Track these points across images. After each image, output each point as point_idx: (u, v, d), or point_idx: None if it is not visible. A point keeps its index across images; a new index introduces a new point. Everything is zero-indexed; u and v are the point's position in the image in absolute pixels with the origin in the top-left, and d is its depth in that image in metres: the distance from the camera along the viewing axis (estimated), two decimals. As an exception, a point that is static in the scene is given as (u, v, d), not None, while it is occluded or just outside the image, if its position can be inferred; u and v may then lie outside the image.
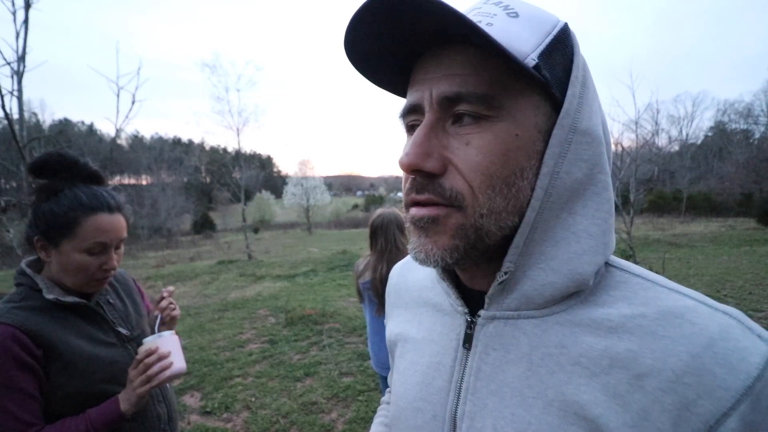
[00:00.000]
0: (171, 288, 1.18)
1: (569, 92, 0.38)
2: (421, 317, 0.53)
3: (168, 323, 1.13)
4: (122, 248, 1.01)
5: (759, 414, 0.31)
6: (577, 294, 0.40)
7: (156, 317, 1.11)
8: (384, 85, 0.46)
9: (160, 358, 0.94)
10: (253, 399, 3.30)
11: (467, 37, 0.35)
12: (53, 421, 0.86)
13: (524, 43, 0.37)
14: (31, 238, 0.92)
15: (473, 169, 0.37)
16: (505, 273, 0.40)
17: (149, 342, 0.97)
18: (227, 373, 3.81)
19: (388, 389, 0.74)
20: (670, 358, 0.33)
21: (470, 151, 0.37)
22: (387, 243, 1.99)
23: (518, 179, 0.37)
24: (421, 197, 0.39)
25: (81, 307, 0.94)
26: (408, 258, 0.65)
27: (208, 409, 3.16)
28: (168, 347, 0.97)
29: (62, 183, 0.93)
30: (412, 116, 0.41)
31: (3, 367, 0.79)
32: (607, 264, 0.42)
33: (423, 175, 0.38)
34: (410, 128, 0.43)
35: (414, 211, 0.40)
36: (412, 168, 0.38)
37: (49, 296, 0.89)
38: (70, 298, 0.92)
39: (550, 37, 0.38)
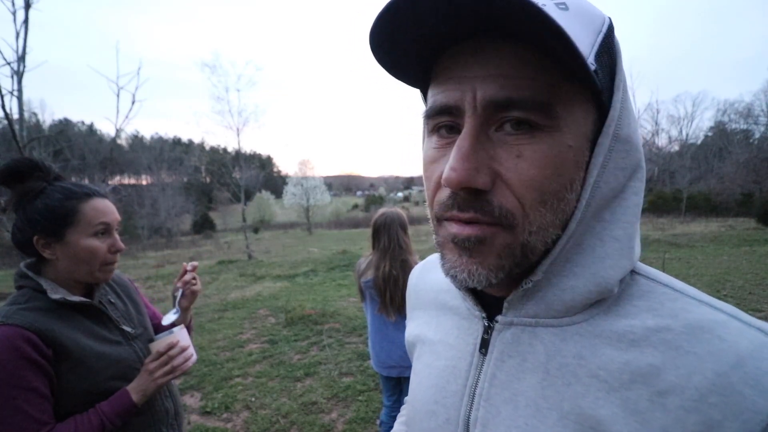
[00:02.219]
0: (195, 263, 1.20)
1: (615, 97, 0.35)
2: (439, 319, 0.52)
3: (188, 297, 1.17)
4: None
5: None
6: (599, 303, 0.38)
7: (177, 290, 1.16)
8: (398, 73, 0.40)
9: (182, 350, 1.03)
10: (253, 399, 3.29)
11: (526, 28, 0.29)
12: (62, 419, 0.87)
13: (580, 42, 0.32)
14: (28, 241, 0.92)
15: (526, 184, 0.33)
16: (531, 281, 0.38)
17: (163, 338, 1.02)
18: (227, 373, 3.81)
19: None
20: (694, 375, 0.31)
21: (522, 165, 0.33)
22: (390, 242, 2.00)
23: (567, 192, 0.35)
24: (465, 215, 0.35)
25: (86, 306, 0.95)
26: (428, 259, 0.64)
27: (208, 409, 3.16)
28: (186, 341, 1.06)
29: (39, 183, 0.94)
30: (443, 117, 0.36)
31: (15, 367, 0.80)
32: (633, 272, 0.40)
33: (469, 191, 0.34)
34: (436, 129, 0.38)
35: (456, 229, 0.36)
36: (462, 185, 0.33)
37: (56, 296, 0.89)
38: (76, 298, 0.92)
39: (601, 35, 0.34)
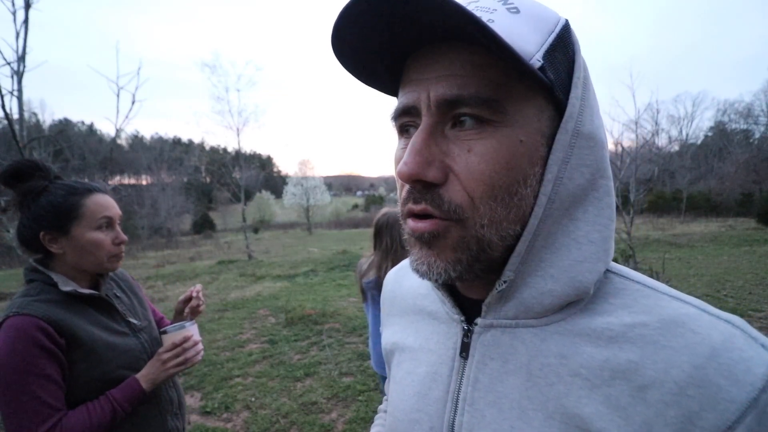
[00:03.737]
0: (199, 286, 1.27)
1: (572, 94, 0.37)
2: (418, 325, 0.52)
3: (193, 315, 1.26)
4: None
5: (765, 427, 0.29)
6: (576, 302, 0.39)
7: (187, 315, 1.22)
8: (372, 83, 0.43)
9: (195, 344, 1.08)
10: (253, 399, 3.30)
11: (469, 33, 0.31)
12: (73, 407, 0.90)
13: (528, 42, 0.34)
14: (35, 237, 0.95)
15: (475, 178, 0.35)
16: (504, 282, 0.39)
17: (178, 331, 1.06)
18: (227, 373, 3.81)
19: (385, 397, 0.73)
20: (672, 369, 0.32)
21: (472, 159, 0.35)
22: (392, 242, 1.98)
23: (521, 187, 0.36)
24: (418, 207, 0.37)
25: (95, 298, 1.00)
26: (401, 264, 0.64)
27: (208, 409, 3.16)
28: (197, 336, 1.12)
29: (42, 182, 0.97)
30: (405, 118, 0.39)
31: (30, 354, 0.83)
32: (606, 270, 0.41)
33: (422, 184, 0.36)
34: (403, 130, 0.40)
35: (413, 224, 0.38)
36: (413, 178, 0.35)
37: (67, 288, 0.93)
38: (86, 291, 0.97)
39: (553, 35, 0.36)
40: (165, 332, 1.06)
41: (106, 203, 1.01)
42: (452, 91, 0.34)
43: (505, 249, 0.38)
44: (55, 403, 0.85)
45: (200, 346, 1.10)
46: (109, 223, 1.00)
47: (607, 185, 0.40)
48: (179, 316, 1.23)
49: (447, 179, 0.36)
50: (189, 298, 1.23)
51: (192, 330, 1.09)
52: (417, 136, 0.36)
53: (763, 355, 0.31)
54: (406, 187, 0.38)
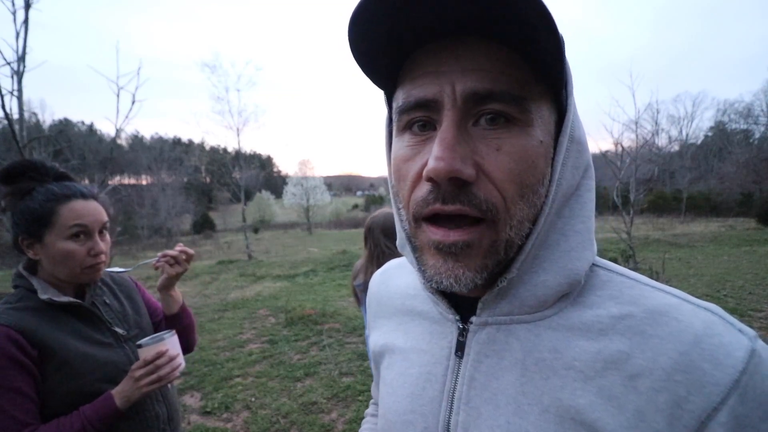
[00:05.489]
0: (190, 251, 1.14)
1: (570, 100, 0.39)
2: (407, 326, 0.51)
3: (167, 277, 1.10)
4: (107, 236, 1.01)
5: (747, 406, 0.31)
6: (566, 296, 0.40)
7: (156, 258, 1.10)
8: (369, 71, 0.40)
9: (170, 360, 0.97)
10: (253, 399, 3.30)
11: (508, 28, 0.31)
12: (49, 420, 0.86)
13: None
14: (15, 240, 0.93)
15: (507, 177, 0.34)
16: (505, 278, 0.39)
17: (153, 344, 0.96)
18: (227, 373, 3.81)
19: (372, 401, 0.72)
20: (660, 357, 0.34)
21: (502, 158, 0.34)
22: (375, 246, 1.99)
23: (541, 186, 0.37)
24: (451, 208, 0.34)
25: (75, 307, 0.94)
26: (387, 266, 0.63)
27: (208, 409, 3.16)
28: (175, 349, 1.01)
29: (33, 183, 0.94)
30: (418, 112, 0.36)
31: None
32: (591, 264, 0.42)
33: (455, 182, 0.34)
34: (409, 126, 0.38)
35: (441, 236, 0.35)
36: (451, 175, 0.33)
37: (44, 297, 0.89)
38: (64, 298, 0.92)
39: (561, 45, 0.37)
40: (140, 346, 0.96)
41: (82, 211, 0.93)
42: (483, 85, 0.33)
43: (518, 248, 0.38)
44: (23, 417, 0.81)
45: (178, 360, 1.00)
46: (83, 232, 0.94)
47: (588, 184, 0.42)
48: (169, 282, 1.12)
49: (477, 177, 0.34)
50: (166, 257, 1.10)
51: (168, 343, 0.99)
52: (447, 131, 0.34)
53: (741, 339, 0.33)
54: (426, 186, 0.35)
